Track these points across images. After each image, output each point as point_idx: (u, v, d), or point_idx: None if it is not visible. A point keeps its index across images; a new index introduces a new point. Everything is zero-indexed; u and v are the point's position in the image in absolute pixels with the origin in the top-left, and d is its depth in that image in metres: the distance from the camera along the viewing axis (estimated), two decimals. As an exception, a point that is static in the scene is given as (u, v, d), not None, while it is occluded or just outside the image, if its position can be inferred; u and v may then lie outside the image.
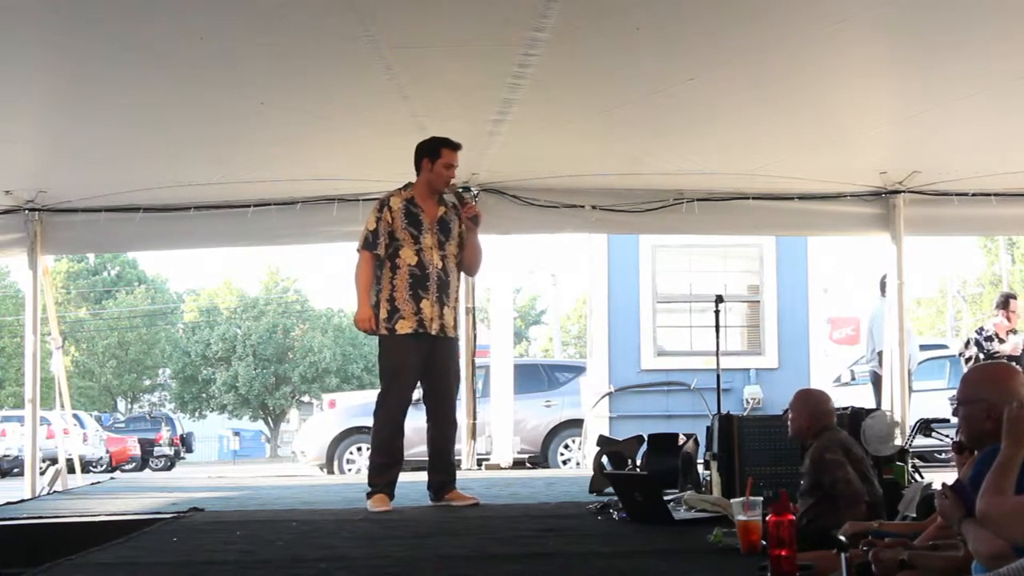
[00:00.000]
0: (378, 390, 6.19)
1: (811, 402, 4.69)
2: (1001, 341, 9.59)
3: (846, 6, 5.33)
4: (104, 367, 45.14)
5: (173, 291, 50.51)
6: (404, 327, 6.00)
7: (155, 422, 33.94)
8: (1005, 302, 9.90)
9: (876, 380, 9.95)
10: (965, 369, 10.57)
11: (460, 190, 6.42)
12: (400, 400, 6.06)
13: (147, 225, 8.59)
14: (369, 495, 6.04)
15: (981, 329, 10.01)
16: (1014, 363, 9.05)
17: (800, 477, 4.66)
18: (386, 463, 6.10)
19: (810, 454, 4.55)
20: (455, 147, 6.13)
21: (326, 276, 65.18)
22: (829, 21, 5.44)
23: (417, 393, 6.19)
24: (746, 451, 5.67)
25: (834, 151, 7.73)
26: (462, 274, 6.45)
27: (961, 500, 2.79)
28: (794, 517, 3.28)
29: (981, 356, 9.49)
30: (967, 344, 10.05)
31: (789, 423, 4.74)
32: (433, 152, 6.11)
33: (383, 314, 6.04)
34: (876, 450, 5.18)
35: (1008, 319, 9.71)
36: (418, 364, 6.07)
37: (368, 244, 6.09)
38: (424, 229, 6.07)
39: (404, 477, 6.27)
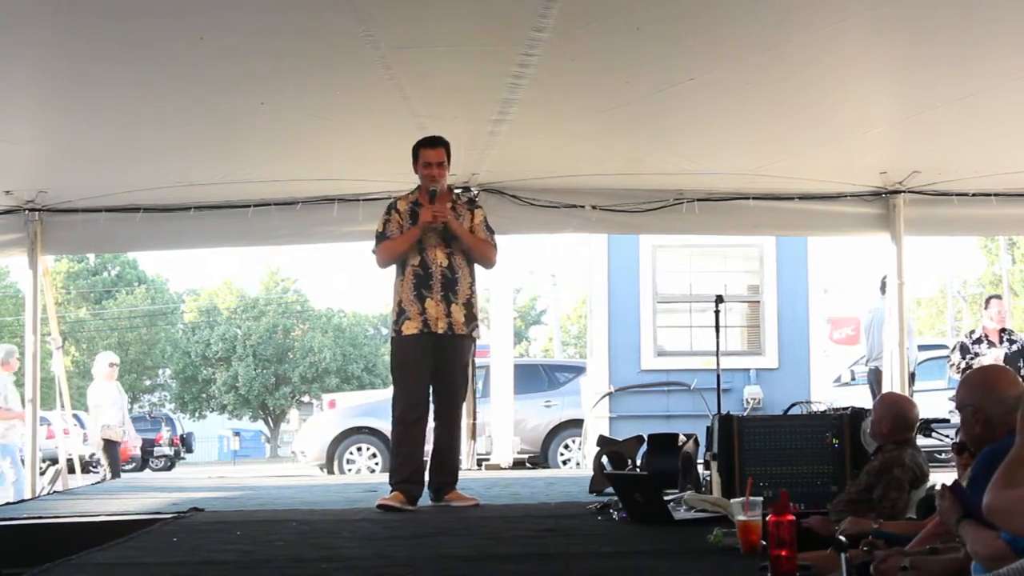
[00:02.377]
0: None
1: (895, 409, 4.67)
2: (990, 342, 9.63)
3: (846, 6, 5.33)
4: (104, 367, 45.02)
5: (173, 291, 50.45)
6: (410, 328, 6.05)
7: (155, 422, 33.91)
8: (986, 303, 10.03)
9: (877, 378, 9.97)
10: (952, 375, 10.67)
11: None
12: (408, 400, 6.08)
13: (147, 225, 8.58)
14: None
15: (972, 332, 10.08)
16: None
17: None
18: (400, 463, 6.11)
19: (883, 460, 4.55)
20: (430, 143, 6.13)
21: (326, 276, 65.16)
22: (829, 21, 5.44)
23: None
24: (746, 451, 5.67)
25: (834, 151, 7.72)
26: (478, 269, 6.46)
27: (959, 501, 2.79)
28: (794, 517, 3.28)
29: (962, 364, 9.54)
30: (953, 349, 10.11)
31: (870, 422, 4.75)
32: (414, 155, 6.17)
33: (392, 316, 6.16)
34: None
35: (991, 319, 9.79)
36: (426, 363, 6.10)
37: (380, 238, 6.18)
38: (428, 229, 6.09)
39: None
